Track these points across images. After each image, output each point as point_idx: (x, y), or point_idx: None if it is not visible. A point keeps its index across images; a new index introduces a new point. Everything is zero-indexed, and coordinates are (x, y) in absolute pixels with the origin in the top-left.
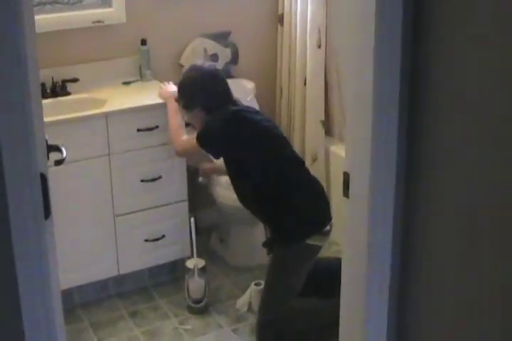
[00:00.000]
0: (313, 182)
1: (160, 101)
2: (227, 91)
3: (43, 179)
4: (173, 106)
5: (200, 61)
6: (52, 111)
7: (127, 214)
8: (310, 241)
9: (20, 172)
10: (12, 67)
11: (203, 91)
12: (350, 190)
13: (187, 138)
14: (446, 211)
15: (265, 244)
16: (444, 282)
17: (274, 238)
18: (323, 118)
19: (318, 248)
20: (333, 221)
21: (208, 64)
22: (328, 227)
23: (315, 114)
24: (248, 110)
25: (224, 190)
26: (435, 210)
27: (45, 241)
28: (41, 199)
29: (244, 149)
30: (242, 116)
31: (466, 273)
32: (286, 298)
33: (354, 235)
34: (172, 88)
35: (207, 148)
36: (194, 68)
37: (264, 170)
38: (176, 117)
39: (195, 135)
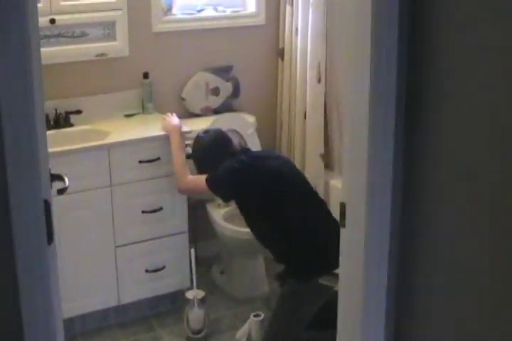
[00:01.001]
0: (331, 222)
1: (162, 133)
2: (230, 151)
3: (47, 205)
4: (177, 140)
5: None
6: (55, 142)
7: (128, 244)
8: (322, 281)
9: (25, 197)
10: (20, 98)
11: (211, 162)
12: (346, 219)
13: (193, 178)
14: (443, 244)
15: (278, 277)
16: (441, 319)
17: (287, 272)
18: (322, 151)
19: (330, 288)
20: None
21: (206, 134)
22: None
23: (315, 147)
24: (258, 156)
25: (224, 221)
26: (432, 240)
27: (48, 265)
28: (44, 224)
29: (254, 195)
30: (251, 164)
31: (465, 305)
32: (292, 331)
33: (350, 265)
34: (175, 120)
35: (216, 191)
36: (196, 143)
37: (277, 214)
38: (179, 153)
39: (201, 176)
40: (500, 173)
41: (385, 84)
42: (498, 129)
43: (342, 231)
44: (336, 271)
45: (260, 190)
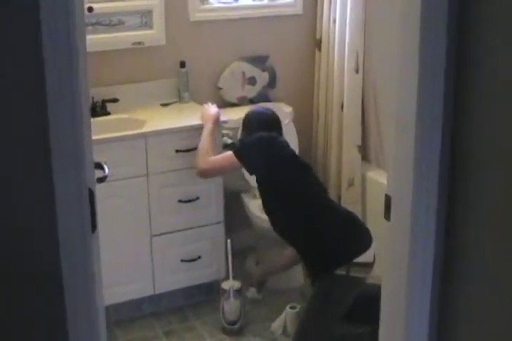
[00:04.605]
0: (342, 212)
1: (199, 122)
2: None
3: (91, 194)
4: (209, 127)
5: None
6: (92, 130)
7: (164, 234)
8: (352, 273)
9: (71, 186)
10: (66, 86)
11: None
12: (391, 212)
13: (216, 157)
14: (488, 234)
15: (310, 274)
16: (486, 306)
17: (316, 269)
18: (359, 143)
19: (361, 280)
20: (376, 252)
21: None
22: (371, 259)
23: (352, 138)
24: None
25: (259, 212)
26: (478, 232)
27: (92, 253)
28: (89, 212)
29: (276, 170)
30: (276, 138)
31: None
32: (325, 327)
33: (394, 258)
34: (213, 109)
35: (244, 160)
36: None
37: (291, 198)
38: (209, 139)
39: (225, 154)
40: None
41: (433, 75)
42: None
43: (386, 224)
44: (363, 259)
45: (280, 164)
